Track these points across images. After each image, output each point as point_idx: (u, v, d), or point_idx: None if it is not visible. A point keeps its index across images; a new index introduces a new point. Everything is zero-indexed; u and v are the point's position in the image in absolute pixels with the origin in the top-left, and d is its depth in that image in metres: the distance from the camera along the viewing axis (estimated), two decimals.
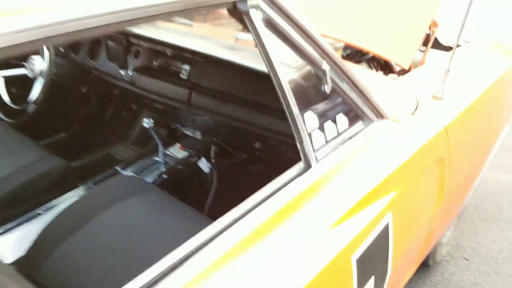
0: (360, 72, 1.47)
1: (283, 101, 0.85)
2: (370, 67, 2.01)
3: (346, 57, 1.98)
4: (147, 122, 1.58)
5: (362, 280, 0.90)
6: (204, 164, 1.62)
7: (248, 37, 1.50)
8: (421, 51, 1.92)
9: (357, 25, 1.57)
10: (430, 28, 1.87)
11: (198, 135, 1.65)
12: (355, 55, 1.96)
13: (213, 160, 1.62)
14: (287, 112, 0.86)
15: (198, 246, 0.69)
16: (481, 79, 1.56)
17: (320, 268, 0.78)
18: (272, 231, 0.78)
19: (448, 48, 2.11)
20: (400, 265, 1.13)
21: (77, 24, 0.55)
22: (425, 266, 1.96)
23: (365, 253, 0.89)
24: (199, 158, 1.64)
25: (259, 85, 1.26)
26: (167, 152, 1.66)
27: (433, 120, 1.25)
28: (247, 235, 0.75)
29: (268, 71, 0.84)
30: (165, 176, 1.58)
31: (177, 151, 1.68)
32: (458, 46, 1.89)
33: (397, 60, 1.55)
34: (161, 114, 1.69)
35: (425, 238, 1.29)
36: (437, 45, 2.13)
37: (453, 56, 1.35)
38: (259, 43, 0.81)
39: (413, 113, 1.28)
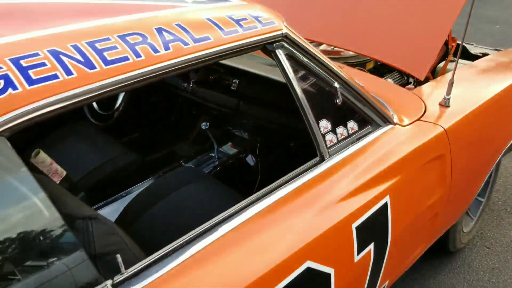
0: (377, 82, 1.77)
1: (302, 113, 1.18)
2: (402, 76, 2.25)
3: (378, 66, 2.26)
4: (204, 125, 1.96)
5: (361, 244, 1.21)
6: (250, 159, 1.97)
7: None
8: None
9: (375, 39, 1.86)
10: (449, 43, 2.11)
11: (245, 135, 2.01)
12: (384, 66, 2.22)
13: (257, 156, 1.97)
14: (305, 121, 1.19)
15: (237, 210, 1.03)
16: (486, 90, 1.80)
17: (326, 228, 1.10)
18: (294, 202, 1.11)
19: (475, 57, 2.33)
20: (402, 239, 1.41)
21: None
22: (447, 252, 2.21)
23: (364, 223, 1.20)
24: (246, 154, 2.00)
25: (291, 95, 1.60)
26: (220, 150, 2.03)
27: (434, 124, 1.53)
28: (276, 203, 1.08)
29: (293, 94, 1.17)
30: (218, 168, 1.95)
31: (228, 149, 2.04)
32: (483, 54, 2.12)
33: (413, 72, 1.83)
34: (215, 118, 2.06)
35: (429, 220, 1.56)
36: (467, 55, 2.35)
37: (455, 70, 1.61)
38: (283, 72, 1.15)
39: (419, 119, 1.56)
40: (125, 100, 1.98)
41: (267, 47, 1.13)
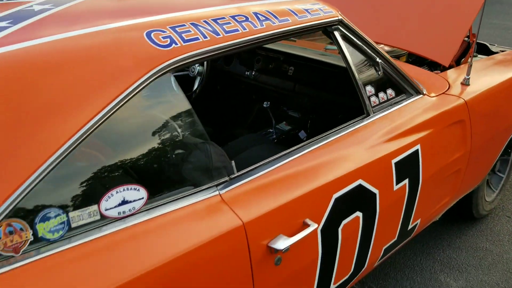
0: (410, 67, 2.16)
1: (353, 80, 1.59)
2: (430, 69, 2.62)
3: (410, 61, 2.64)
4: (266, 104, 2.38)
5: (399, 178, 1.59)
6: (302, 134, 2.38)
7: (333, 47, 2.28)
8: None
9: (406, 34, 2.26)
10: (470, 38, 2.49)
11: (298, 115, 2.42)
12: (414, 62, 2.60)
13: (308, 131, 2.37)
14: (355, 86, 1.59)
15: (306, 144, 1.43)
16: (500, 75, 2.17)
17: (372, 159, 1.49)
18: (348, 140, 1.51)
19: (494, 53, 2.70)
20: (431, 184, 1.78)
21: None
22: (472, 218, 2.55)
23: (400, 161, 1.58)
24: (299, 130, 2.40)
25: (339, 78, 2.01)
26: (277, 126, 2.45)
27: (456, 97, 1.91)
28: (335, 140, 1.48)
29: (346, 65, 1.58)
30: (275, 141, 2.36)
31: (284, 126, 2.46)
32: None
33: (439, 60, 2.21)
34: (274, 100, 2.48)
35: (453, 174, 1.92)
36: (488, 53, 2.71)
37: (473, 55, 1.99)
38: (339, 49, 1.57)
39: (444, 93, 1.94)
40: (200, 85, 2.43)
41: (327, 29, 1.55)
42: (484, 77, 2.19)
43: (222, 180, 1.22)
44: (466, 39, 2.49)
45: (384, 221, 1.59)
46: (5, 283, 0.87)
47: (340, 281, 1.54)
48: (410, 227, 1.81)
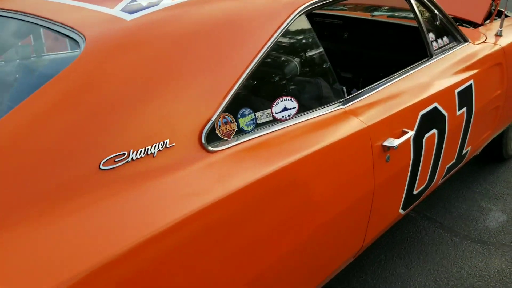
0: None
1: (419, 28, 1.96)
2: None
3: None
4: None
5: (460, 105, 1.96)
6: (354, 91, 2.74)
7: (379, 13, 2.65)
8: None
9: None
10: (495, 1, 2.87)
11: (350, 74, 2.79)
12: None
13: (359, 88, 2.74)
14: (421, 33, 1.96)
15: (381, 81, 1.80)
16: None
17: (441, 88, 1.86)
18: (418, 74, 1.88)
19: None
20: (480, 114, 2.15)
21: None
22: (501, 159, 2.94)
23: (460, 92, 1.96)
24: (352, 88, 2.77)
25: (394, 36, 2.39)
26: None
27: (494, 44, 2.29)
28: (410, 75, 1.85)
29: (414, 15, 1.95)
30: None
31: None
32: None
33: (473, 18, 2.59)
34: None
35: (494, 109, 2.31)
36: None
37: (506, 9, 2.38)
38: (410, 4, 1.93)
39: (483, 42, 2.32)
40: None
41: None
42: (508, 33, 2.57)
43: (342, 99, 1.59)
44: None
45: (449, 141, 1.97)
46: (229, 158, 1.22)
47: (419, 189, 1.91)
48: (464, 151, 2.19)
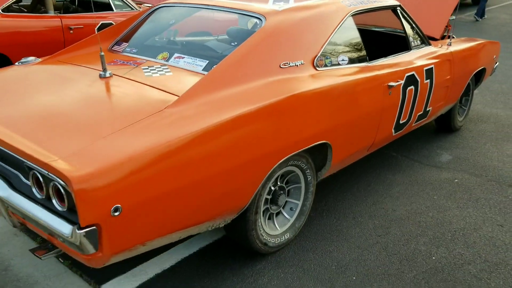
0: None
1: (405, 34, 3.50)
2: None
3: None
4: None
5: (426, 78, 3.48)
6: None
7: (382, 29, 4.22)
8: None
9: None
10: (448, 27, 4.50)
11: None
12: None
13: None
14: (406, 38, 3.50)
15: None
16: (465, 44, 4.18)
17: (416, 65, 3.39)
18: (404, 56, 3.40)
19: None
20: (437, 87, 3.67)
21: None
22: (451, 130, 4.49)
23: (427, 70, 3.48)
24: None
25: (391, 38, 3.93)
26: None
27: (446, 49, 3.86)
28: (401, 56, 3.37)
29: (401, 25, 3.49)
30: None
31: None
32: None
33: (433, 34, 4.17)
34: None
35: (446, 87, 3.84)
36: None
37: (453, 30, 3.98)
38: (399, 19, 3.48)
39: (440, 47, 3.89)
40: None
41: (396, 9, 3.46)
42: (455, 45, 4.16)
43: (367, 62, 3.07)
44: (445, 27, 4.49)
45: (420, 96, 3.46)
46: (323, 73, 2.66)
47: (403, 121, 3.38)
48: (428, 108, 3.69)
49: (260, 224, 2.46)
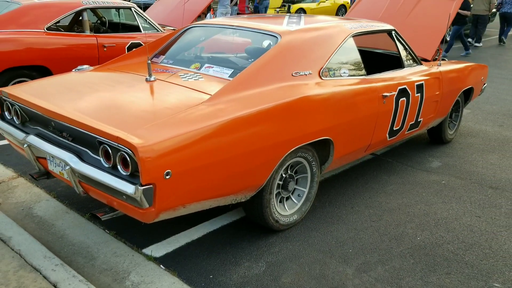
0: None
1: (399, 53, 4.07)
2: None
3: None
4: None
5: (417, 92, 4.03)
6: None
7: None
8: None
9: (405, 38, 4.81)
10: (439, 50, 5.08)
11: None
12: None
13: None
14: (400, 57, 4.07)
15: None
16: (454, 66, 4.75)
17: (408, 81, 3.95)
18: (399, 72, 3.97)
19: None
20: (427, 101, 4.22)
21: None
22: (443, 142, 5.01)
23: (418, 85, 4.03)
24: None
25: (386, 57, 4.51)
26: None
27: (436, 68, 4.43)
28: (395, 72, 3.94)
29: (396, 46, 4.07)
30: None
31: None
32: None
33: (425, 56, 4.75)
34: None
35: (435, 102, 4.38)
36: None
37: (441, 55, 4.55)
38: (393, 41, 4.06)
39: (431, 67, 4.46)
40: None
41: (391, 32, 4.04)
42: (444, 66, 4.72)
43: (365, 75, 3.63)
44: (437, 49, 5.07)
45: (411, 108, 4.00)
46: (327, 82, 3.23)
47: (396, 128, 3.91)
48: (419, 119, 4.23)
49: (273, 203, 2.98)
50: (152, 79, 2.99)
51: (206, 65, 3.26)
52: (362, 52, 3.69)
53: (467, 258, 2.93)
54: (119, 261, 2.72)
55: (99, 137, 2.33)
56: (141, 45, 5.80)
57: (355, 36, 3.61)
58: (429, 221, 3.38)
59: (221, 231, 3.13)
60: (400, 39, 4.15)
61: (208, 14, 12.99)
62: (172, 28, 6.92)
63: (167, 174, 2.23)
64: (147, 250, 2.86)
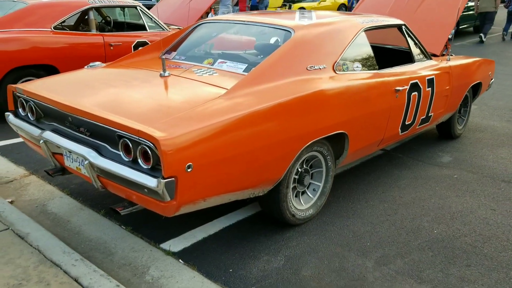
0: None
1: (409, 49, 4.07)
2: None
3: None
4: None
5: (428, 86, 4.02)
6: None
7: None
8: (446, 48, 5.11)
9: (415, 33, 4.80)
10: (447, 45, 5.07)
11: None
12: None
13: None
14: (410, 52, 4.07)
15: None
16: (463, 60, 4.76)
17: (420, 75, 3.94)
18: (409, 67, 3.96)
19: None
20: (437, 95, 4.21)
21: None
22: (453, 137, 5.00)
23: (429, 79, 4.03)
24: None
25: (397, 52, 4.50)
26: None
27: (446, 63, 4.42)
28: (407, 66, 3.93)
29: (406, 41, 4.07)
30: None
31: None
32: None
33: (433, 51, 4.75)
34: None
35: (445, 97, 4.38)
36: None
37: (450, 49, 4.55)
38: (403, 35, 4.06)
39: (440, 61, 4.46)
40: None
41: (401, 27, 4.04)
42: (453, 60, 4.72)
43: (377, 69, 3.63)
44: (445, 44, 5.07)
45: (423, 102, 3.99)
46: (341, 76, 3.21)
47: (408, 123, 3.91)
48: (430, 114, 4.22)
49: (289, 197, 2.97)
50: (166, 74, 2.97)
51: (219, 60, 3.25)
52: (374, 49, 3.68)
53: (485, 251, 2.92)
54: (137, 256, 2.70)
55: (119, 130, 2.32)
56: (147, 43, 5.79)
57: (367, 30, 3.60)
58: (445, 215, 3.37)
59: (237, 226, 3.12)
60: (410, 33, 4.14)
61: (209, 14, 12.99)
62: (177, 27, 6.91)
63: (189, 167, 2.22)
64: (165, 245, 2.85)
